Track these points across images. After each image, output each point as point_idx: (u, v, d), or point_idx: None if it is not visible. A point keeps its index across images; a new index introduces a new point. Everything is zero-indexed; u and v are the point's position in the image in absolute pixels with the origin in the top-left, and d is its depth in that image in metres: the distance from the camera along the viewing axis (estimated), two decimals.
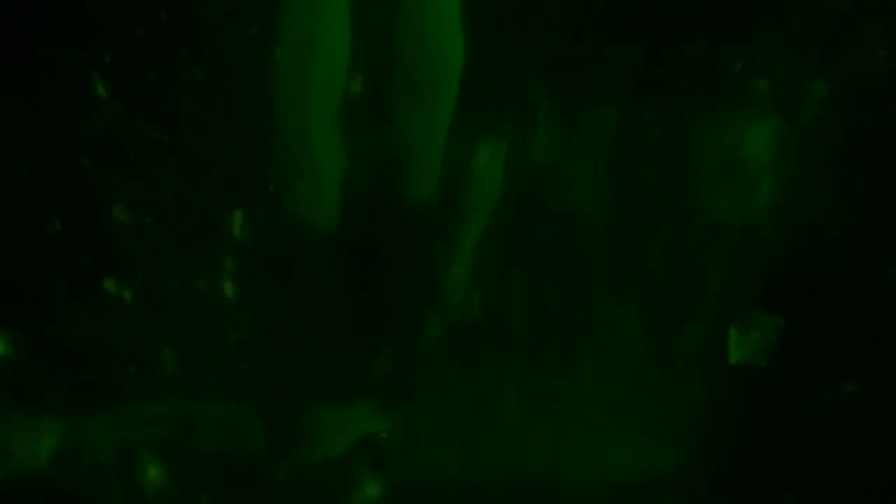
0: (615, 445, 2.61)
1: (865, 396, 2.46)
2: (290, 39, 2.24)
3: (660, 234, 2.57)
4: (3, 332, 2.31)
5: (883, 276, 2.45)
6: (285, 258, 2.36)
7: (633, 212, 2.57)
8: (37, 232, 2.27)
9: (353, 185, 2.33)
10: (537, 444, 2.63)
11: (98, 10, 2.14)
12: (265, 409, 2.44)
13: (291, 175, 2.30)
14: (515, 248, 2.59)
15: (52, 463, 2.35)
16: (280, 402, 2.45)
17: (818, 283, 2.49)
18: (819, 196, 2.50)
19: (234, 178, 2.33)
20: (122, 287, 2.33)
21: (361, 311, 2.46)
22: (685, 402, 2.59)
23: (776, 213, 2.52)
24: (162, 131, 2.27)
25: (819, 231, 2.50)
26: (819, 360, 2.49)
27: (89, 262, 2.31)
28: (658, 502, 2.61)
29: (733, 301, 2.55)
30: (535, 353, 2.62)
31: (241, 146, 2.31)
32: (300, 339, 2.44)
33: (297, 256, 2.36)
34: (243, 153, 2.32)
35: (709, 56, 2.47)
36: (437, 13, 2.26)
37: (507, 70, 2.40)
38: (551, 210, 2.58)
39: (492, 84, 2.38)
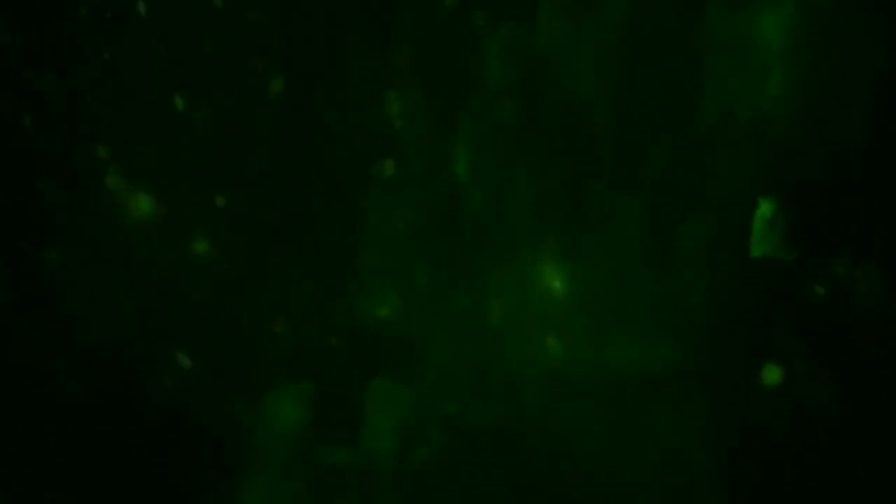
0: (616, 342, 2.57)
1: (876, 283, 2.42)
2: None
3: (667, 125, 2.51)
4: None
5: (894, 168, 2.41)
6: None
7: (640, 101, 2.51)
8: None
9: None
10: (538, 341, 2.59)
11: None
12: None
13: None
14: (518, 138, 2.54)
15: None
16: None
17: (827, 174, 2.44)
18: (831, 85, 2.44)
19: None
20: None
21: None
22: (688, 298, 2.55)
23: (787, 103, 2.46)
24: None
25: (830, 121, 2.44)
26: (827, 251, 2.45)
27: None
28: (659, 399, 2.58)
29: (741, 193, 2.49)
30: (537, 247, 2.57)
31: None
32: None
33: None
34: None
35: None
36: None
37: None
38: (555, 99, 2.52)
39: None
